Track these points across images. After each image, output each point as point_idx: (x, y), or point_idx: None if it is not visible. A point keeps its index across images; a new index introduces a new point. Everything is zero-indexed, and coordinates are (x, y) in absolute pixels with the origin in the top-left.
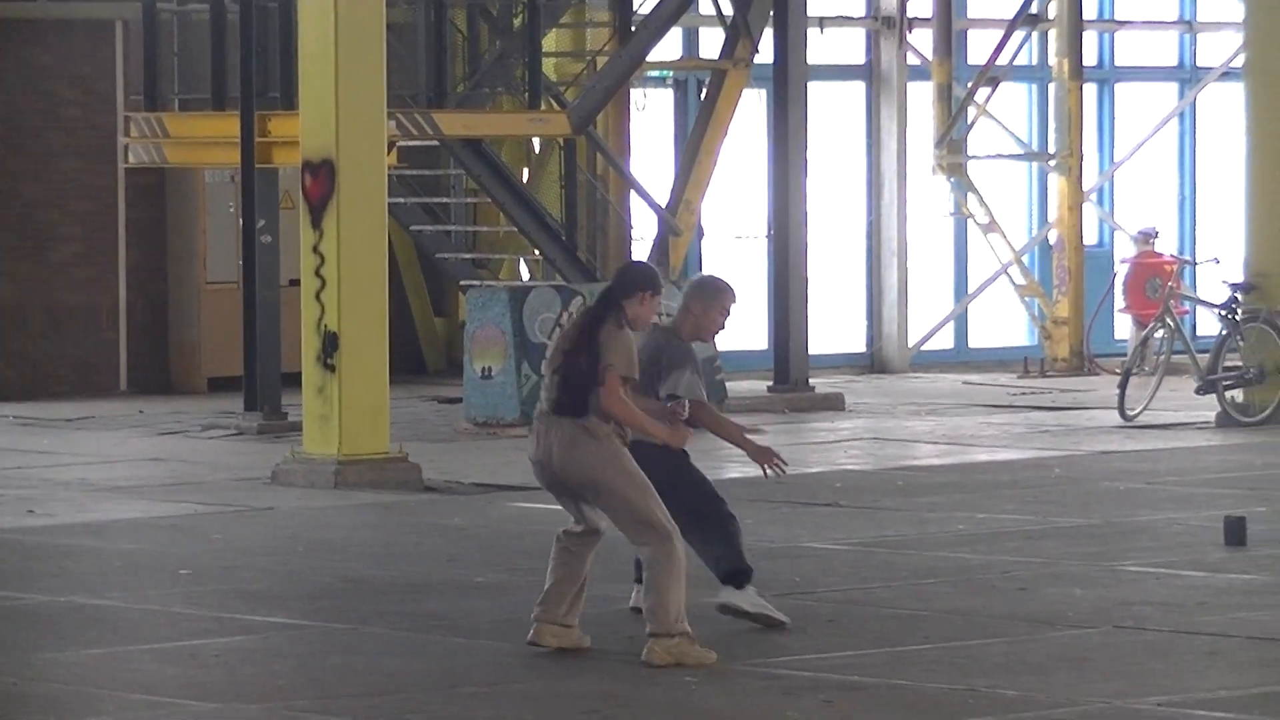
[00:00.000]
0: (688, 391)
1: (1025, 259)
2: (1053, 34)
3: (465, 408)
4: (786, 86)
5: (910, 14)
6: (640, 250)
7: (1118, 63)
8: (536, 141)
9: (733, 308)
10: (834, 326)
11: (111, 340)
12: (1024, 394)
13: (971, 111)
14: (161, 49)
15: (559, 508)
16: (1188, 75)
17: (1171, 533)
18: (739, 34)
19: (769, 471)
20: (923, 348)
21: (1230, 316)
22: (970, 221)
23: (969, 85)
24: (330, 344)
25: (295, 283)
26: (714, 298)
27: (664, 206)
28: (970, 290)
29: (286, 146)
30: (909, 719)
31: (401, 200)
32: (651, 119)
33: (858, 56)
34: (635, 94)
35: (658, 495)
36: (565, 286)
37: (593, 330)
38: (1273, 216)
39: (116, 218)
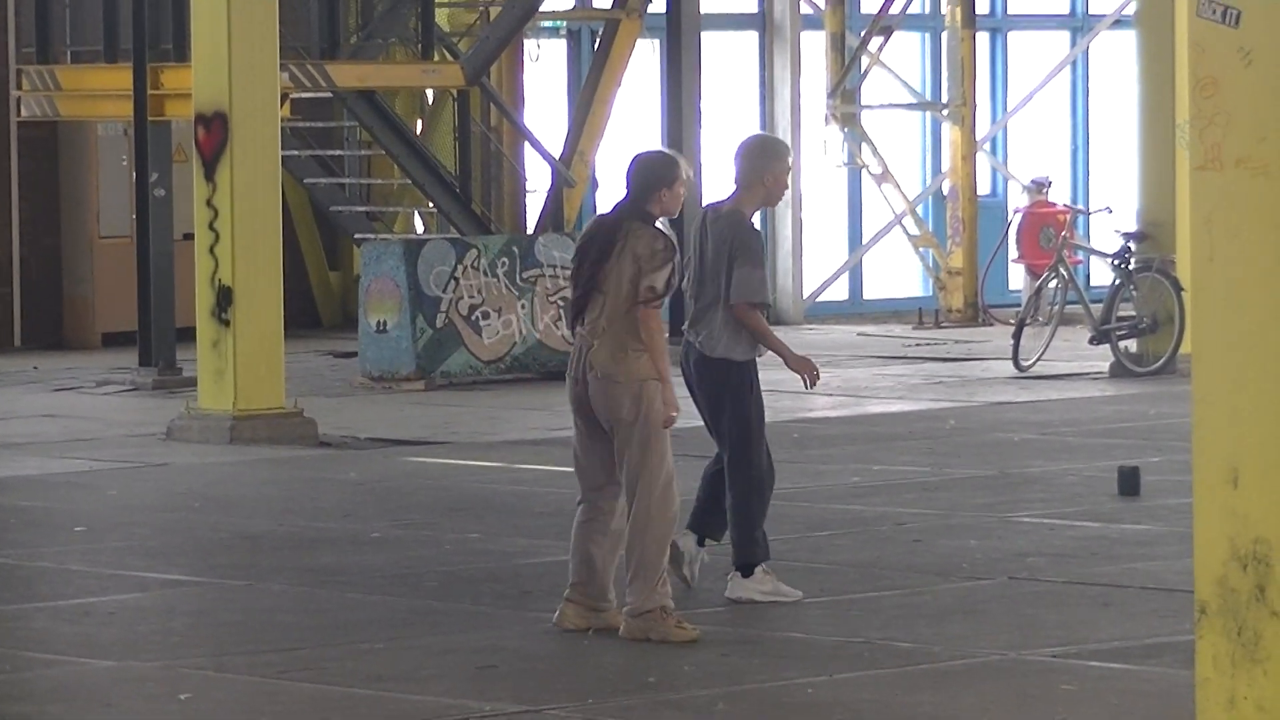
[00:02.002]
0: (757, 294)
1: (919, 209)
2: None
3: (360, 362)
4: (679, 36)
5: None
6: (534, 201)
7: (1010, 11)
8: (430, 93)
9: None
10: None
11: (4, 295)
12: (919, 345)
13: (864, 61)
14: (53, 1)
15: (472, 463)
16: (1079, 24)
17: (1066, 483)
18: None
19: (808, 381)
20: (817, 299)
21: (1123, 266)
22: (864, 172)
23: (862, 34)
24: (224, 298)
25: (189, 237)
26: (782, 155)
27: (558, 158)
28: (864, 241)
29: (179, 99)
30: (804, 671)
31: (295, 153)
32: (545, 70)
33: (750, 5)
34: (529, 44)
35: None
36: (460, 239)
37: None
38: (1164, 166)
39: (8, 171)
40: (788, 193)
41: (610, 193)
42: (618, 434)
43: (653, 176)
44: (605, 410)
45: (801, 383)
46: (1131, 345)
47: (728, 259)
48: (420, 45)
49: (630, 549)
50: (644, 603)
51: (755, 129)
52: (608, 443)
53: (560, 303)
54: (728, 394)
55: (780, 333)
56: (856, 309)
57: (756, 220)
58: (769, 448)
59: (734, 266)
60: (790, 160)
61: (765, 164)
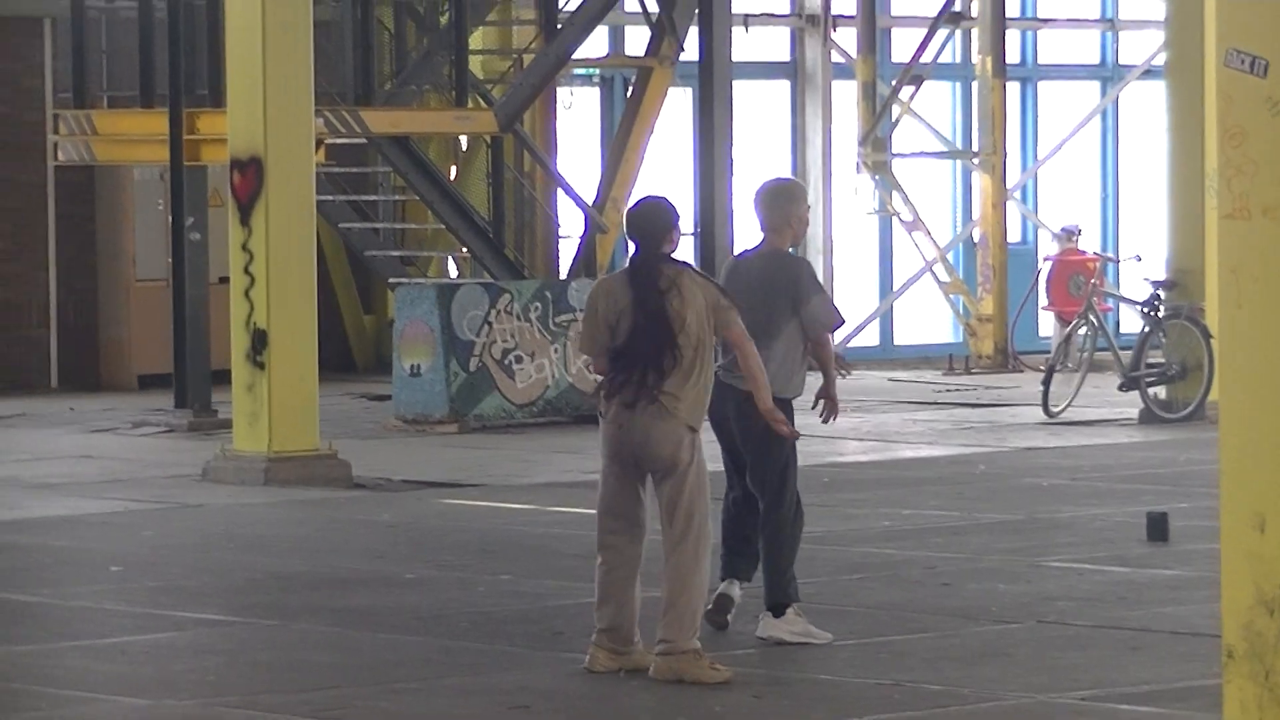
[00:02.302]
0: (838, 315)
1: (949, 256)
2: (975, 32)
3: (394, 404)
4: (712, 84)
5: (834, 12)
6: (567, 247)
7: (1040, 61)
8: (464, 139)
9: None
10: None
11: (41, 337)
12: (949, 390)
13: (895, 109)
14: (90, 46)
15: (504, 505)
16: (1109, 73)
17: (1094, 528)
18: (664, 32)
19: (827, 418)
20: (848, 344)
21: (1152, 313)
22: (895, 219)
23: (893, 83)
24: (259, 341)
25: (224, 280)
26: (803, 197)
27: (591, 204)
28: (895, 287)
29: (215, 144)
30: (833, 713)
31: (330, 198)
32: (578, 116)
33: (783, 54)
34: (561, 92)
35: None
36: (493, 284)
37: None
38: (1193, 214)
39: (46, 215)
40: (819, 238)
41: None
42: (671, 477)
43: (663, 222)
44: (660, 451)
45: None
46: (1160, 392)
47: (790, 296)
48: (454, 92)
49: (676, 591)
50: (682, 644)
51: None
52: (638, 487)
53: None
54: (772, 434)
55: (812, 376)
56: (887, 354)
57: None
58: (799, 490)
59: (805, 300)
60: (809, 201)
61: (791, 207)
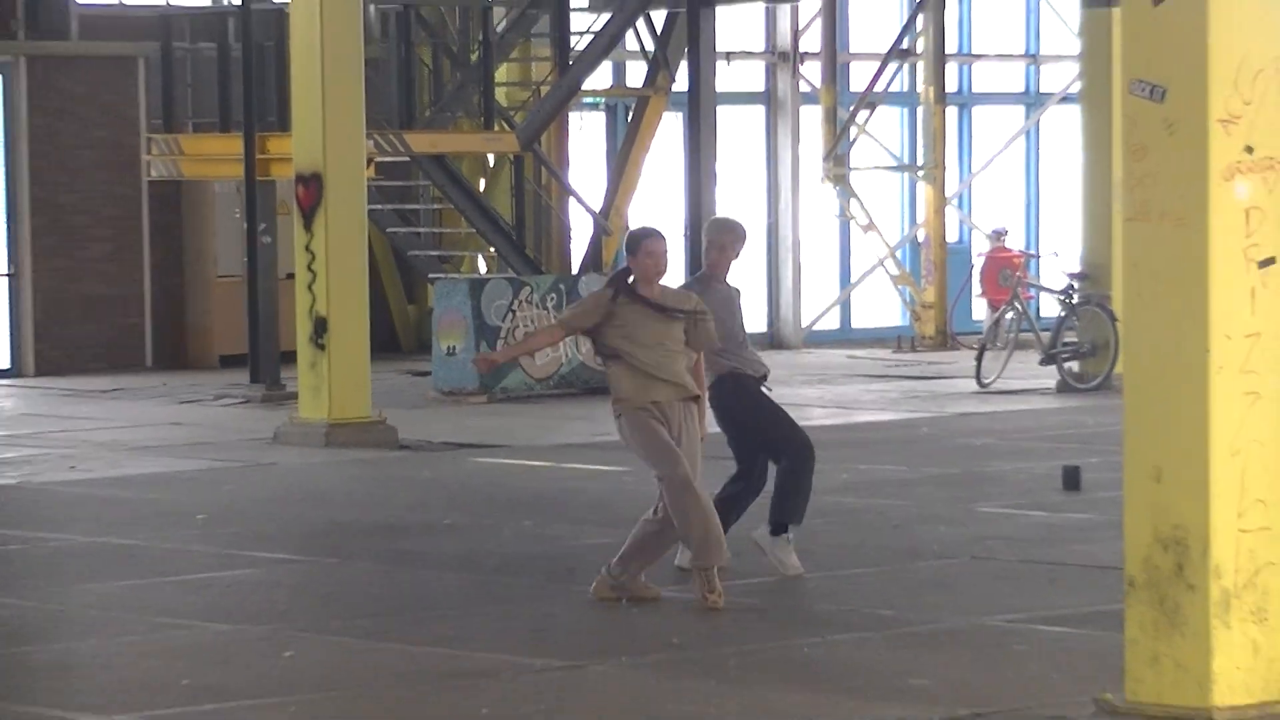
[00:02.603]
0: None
1: (898, 253)
2: (920, 65)
3: (433, 379)
4: (698, 110)
5: (801, 49)
6: (577, 247)
7: (974, 89)
8: (491, 157)
9: None
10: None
11: (137, 324)
12: (898, 366)
13: (853, 130)
14: (177, 80)
15: (526, 463)
16: (1033, 100)
17: (1019, 480)
18: (659, 66)
19: None
20: (813, 328)
21: (1068, 301)
22: (853, 222)
23: (850, 109)
24: (320, 327)
25: (290, 276)
26: (741, 235)
27: (598, 211)
28: (852, 280)
29: (282, 162)
30: (802, 634)
31: (378, 207)
32: (587, 138)
33: (758, 85)
34: (573, 117)
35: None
36: (516, 278)
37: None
38: (1102, 217)
39: (141, 222)
40: (789, 239)
41: None
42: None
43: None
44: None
45: None
46: (1074, 366)
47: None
48: (483, 117)
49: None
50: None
51: (761, 188)
52: None
53: None
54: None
55: (783, 355)
56: (846, 336)
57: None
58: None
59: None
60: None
61: (735, 240)
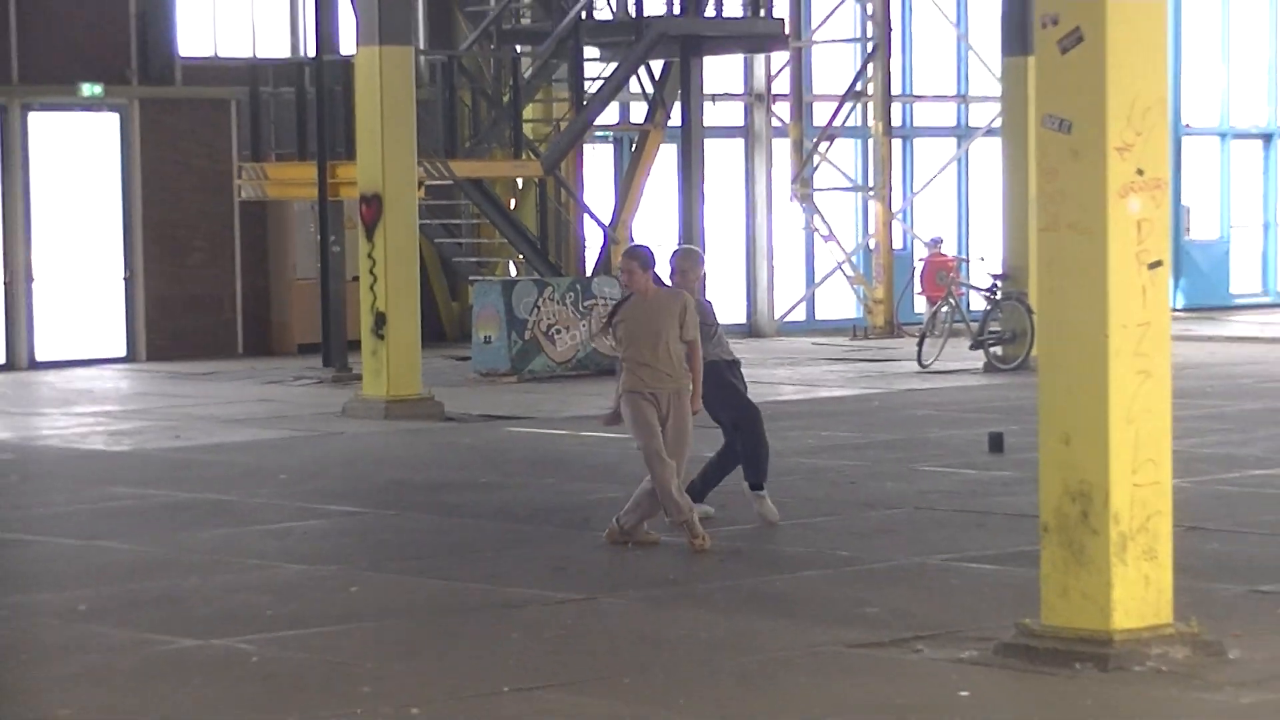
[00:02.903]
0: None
1: (853, 259)
2: (871, 104)
3: (473, 363)
4: (689, 142)
5: (773, 91)
6: (590, 254)
7: (915, 124)
8: (519, 180)
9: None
10: (724, 306)
11: (230, 319)
12: (853, 351)
13: (816, 158)
14: (262, 119)
15: (549, 431)
16: (963, 132)
17: (953, 444)
18: (657, 106)
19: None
20: (784, 320)
21: (992, 296)
22: (816, 234)
23: (814, 140)
24: (380, 321)
25: (355, 279)
26: (699, 261)
27: (607, 224)
28: (816, 280)
29: (349, 185)
30: (776, 571)
31: (427, 221)
32: (598, 164)
33: (738, 121)
34: (587, 147)
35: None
36: (540, 280)
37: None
38: (1020, 228)
39: (233, 235)
40: (764, 248)
41: None
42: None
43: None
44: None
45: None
46: (998, 350)
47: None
48: (513, 148)
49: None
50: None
51: (741, 205)
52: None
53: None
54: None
55: (759, 342)
56: (811, 326)
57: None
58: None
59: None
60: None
61: (696, 266)
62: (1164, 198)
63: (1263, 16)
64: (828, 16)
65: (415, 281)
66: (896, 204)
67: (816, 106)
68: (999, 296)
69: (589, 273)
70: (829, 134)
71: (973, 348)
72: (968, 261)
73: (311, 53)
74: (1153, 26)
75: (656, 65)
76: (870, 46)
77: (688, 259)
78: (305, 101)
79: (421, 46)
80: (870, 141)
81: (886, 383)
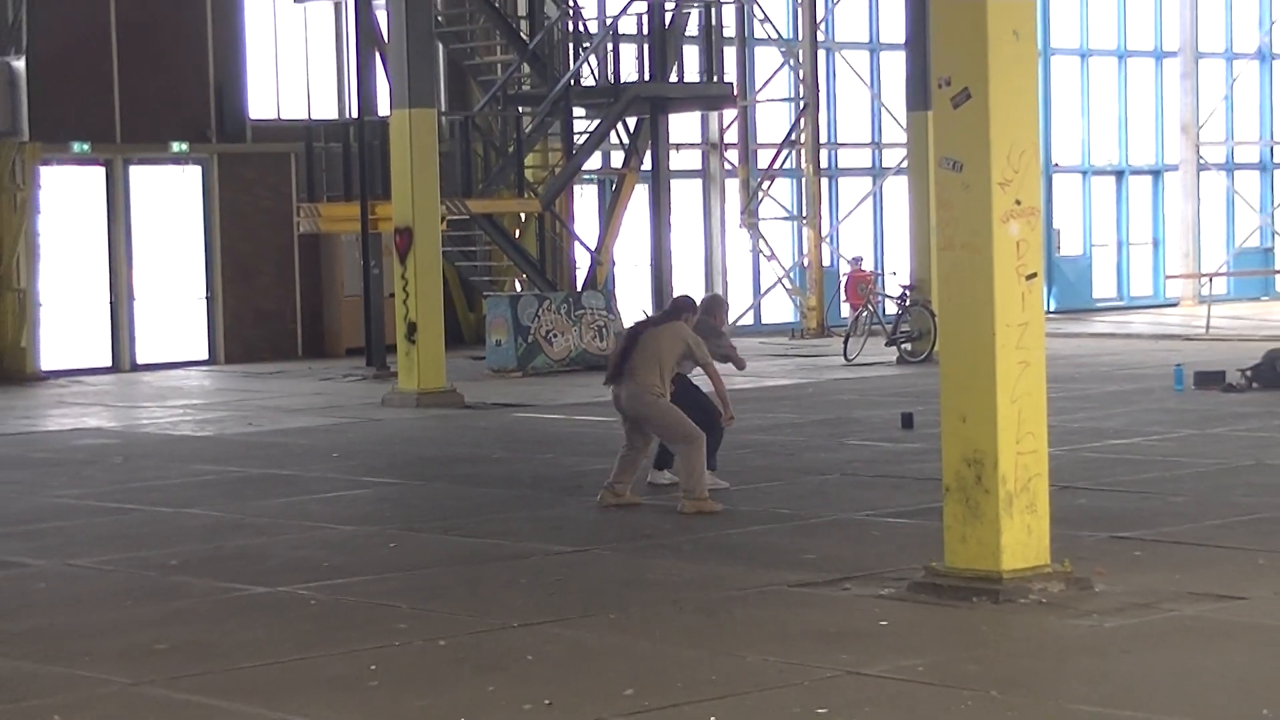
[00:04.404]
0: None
1: (791, 274)
2: (803, 151)
3: (487, 362)
4: (658, 182)
5: (726, 141)
6: (580, 273)
7: (839, 166)
8: (523, 215)
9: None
10: None
11: (291, 328)
12: (792, 349)
13: (760, 194)
14: (315, 167)
15: (548, 415)
16: (877, 172)
17: (873, 422)
18: (632, 154)
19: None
20: (737, 324)
21: (903, 303)
22: (761, 255)
23: (758, 180)
24: (412, 329)
25: (391, 295)
26: (724, 307)
27: (593, 248)
28: (762, 292)
29: (385, 220)
30: (732, 526)
31: (449, 249)
32: (586, 201)
33: (697, 165)
34: (577, 188)
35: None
36: (540, 294)
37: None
38: (923, 248)
39: (293, 261)
40: (719, 268)
41: (621, 269)
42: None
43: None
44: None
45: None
46: (908, 347)
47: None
48: (517, 189)
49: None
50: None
51: (700, 233)
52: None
53: (601, 327)
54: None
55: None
56: (758, 329)
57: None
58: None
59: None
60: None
61: (719, 311)
62: (1038, 222)
63: (1112, 77)
64: (768, 80)
65: (439, 297)
66: (825, 230)
67: (760, 153)
68: (908, 303)
69: (579, 288)
70: (770, 174)
71: (888, 345)
72: (882, 275)
73: (355, 114)
74: (1026, 86)
75: (631, 121)
76: (802, 104)
77: (692, 308)
78: (350, 153)
79: (443, 109)
80: (803, 180)
81: (819, 373)
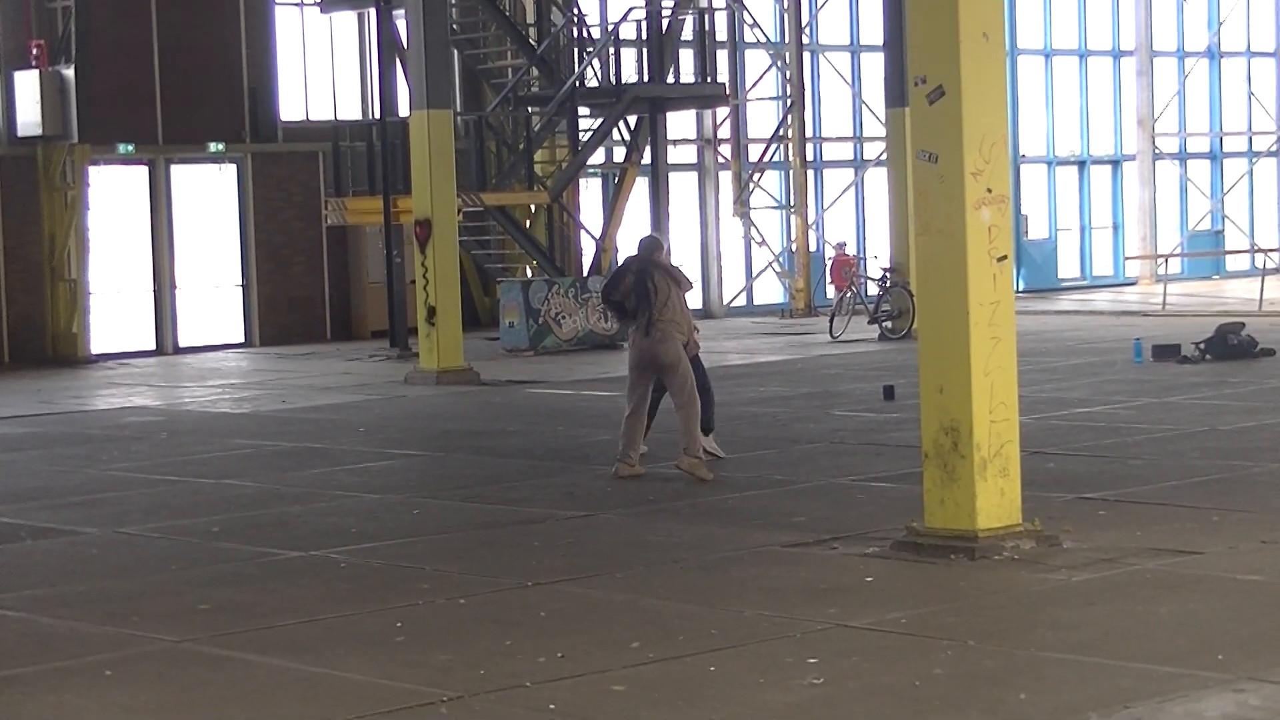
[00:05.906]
0: None
1: (780, 259)
2: (790, 145)
3: (501, 342)
4: (657, 175)
5: (719, 136)
6: (586, 260)
7: (824, 159)
8: (533, 206)
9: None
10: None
11: (321, 313)
12: (782, 327)
13: (751, 185)
14: (342, 165)
15: (558, 391)
16: (859, 164)
17: (857, 394)
18: (633, 149)
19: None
20: (731, 305)
21: (884, 284)
22: (753, 241)
23: (750, 172)
24: (431, 312)
25: (413, 282)
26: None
27: (598, 237)
28: (754, 275)
29: (406, 213)
30: (730, 492)
31: (465, 238)
32: (591, 193)
33: (693, 159)
34: (582, 181)
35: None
36: (549, 279)
37: (654, 278)
38: (902, 234)
39: (322, 251)
40: (714, 253)
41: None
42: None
43: (653, 244)
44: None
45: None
46: (889, 325)
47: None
48: (527, 183)
49: (686, 427)
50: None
51: (697, 221)
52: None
53: (601, 309)
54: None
55: (713, 321)
56: (751, 310)
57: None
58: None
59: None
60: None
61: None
62: (1007, 209)
63: (1073, 74)
64: (757, 80)
65: (457, 283)
66: (811, 218)
67: (751, 147)
68: (888, 284)
69: (585, 273)
70: (760, 167)
71: (870, 323)
72: (865, 259)
73: (378, 115)
74: (995, 83)
75: (632, 119)
76: (789, 102)
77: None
78: (374, 151)
79: (458, 109)
80: (791, 172)
81: (807, 350)
